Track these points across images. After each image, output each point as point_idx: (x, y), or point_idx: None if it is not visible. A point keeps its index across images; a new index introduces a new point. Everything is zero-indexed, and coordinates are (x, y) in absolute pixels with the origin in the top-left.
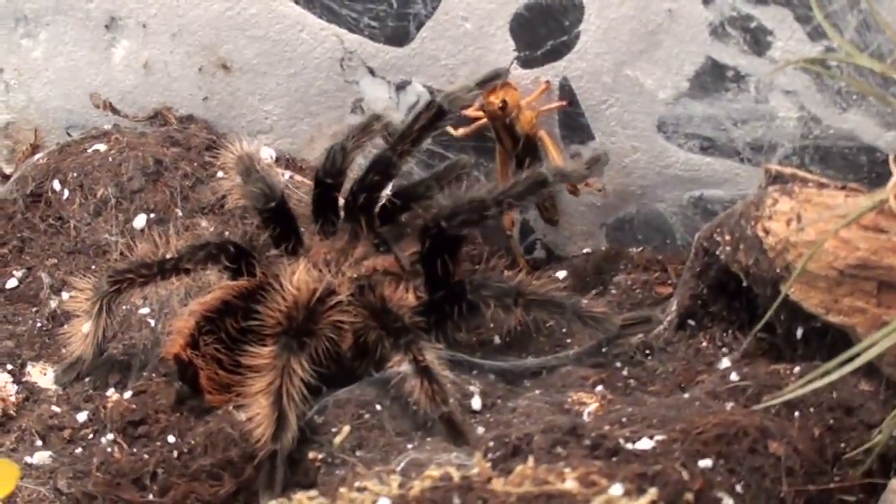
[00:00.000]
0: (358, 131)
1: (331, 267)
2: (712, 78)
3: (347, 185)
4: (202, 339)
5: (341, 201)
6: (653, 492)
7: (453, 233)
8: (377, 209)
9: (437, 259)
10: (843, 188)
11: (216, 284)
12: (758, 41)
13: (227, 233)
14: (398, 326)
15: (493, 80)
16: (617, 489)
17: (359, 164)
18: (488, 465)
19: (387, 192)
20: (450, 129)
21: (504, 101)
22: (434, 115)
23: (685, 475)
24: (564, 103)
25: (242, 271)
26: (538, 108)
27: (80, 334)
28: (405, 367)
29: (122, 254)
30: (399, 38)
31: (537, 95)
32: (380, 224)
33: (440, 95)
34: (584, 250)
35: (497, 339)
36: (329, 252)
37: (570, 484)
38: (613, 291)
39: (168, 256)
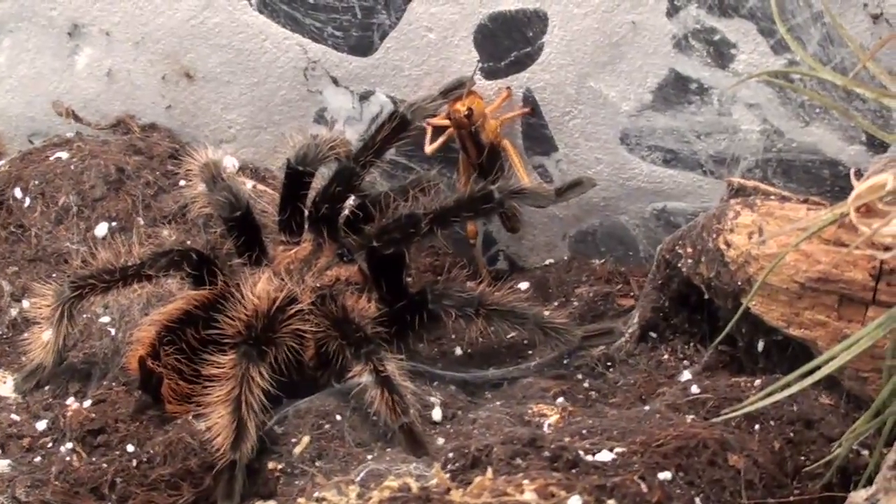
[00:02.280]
0: (327, 143)
1: (293, 276)
2: (675, 90)
3: (311, 196)
4: (163, 349)
5: (306, 212)
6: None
7: (387, 251)
8: (341, 219)
9: (381, 276)
10: (805, 201)
11: (177, 293)
12: (721, 54)
13: (188, 241)
14: (359, 336)
15: (456, 90)
16: (575, 501)
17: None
18: (447, 476)
19: (350, 202)
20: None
21: (470, 110)
22: (397, 125)
23: (644, 487)
24: (528, 110)
25: (205, 279)
26: (502, 117)
27: (41, 342)
28: (365, 378)
29: (83, 262)
30: (363, 48)
31: (500, 103)
32: (344, 234)
33: (403, 106)
34: (547, 261)
35: (458, 351)
36: (292, 261)
37: (529, 495)
38: (575, 303)
39: (130, 263)
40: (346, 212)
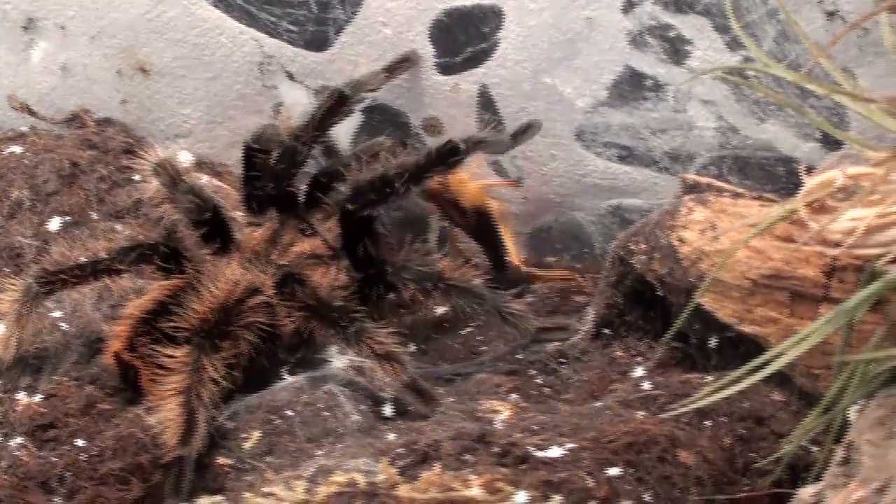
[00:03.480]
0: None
1: (261, 258)
2: (631, 87)
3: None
4: (139, 340)
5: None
6: (557, 499)
7: (361, 214)
8: (302, 194)
9: (356, 241)
10: (759, 198)
11: (130, 290)
12: (676, 50)
13: (140, 237)
14: (340, 319)
15: (400, 66)
16: (522, 496)
17: None
18: (396, 471)
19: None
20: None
21: (444, 181)
22: (336, 101)
23: (591, 483)
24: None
25: (175, 271)
26: (483, 183)
27: (1, 337)
28: (352, 357)
29: (36, 257)
30: (318, 42)
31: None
32: (305, 207)
33: (343, 83)
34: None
35: (412, 346)
36: (258, 243)
37: (476, 491)
38: (530, 299)
39: (100, 257)
40: (304, 186)
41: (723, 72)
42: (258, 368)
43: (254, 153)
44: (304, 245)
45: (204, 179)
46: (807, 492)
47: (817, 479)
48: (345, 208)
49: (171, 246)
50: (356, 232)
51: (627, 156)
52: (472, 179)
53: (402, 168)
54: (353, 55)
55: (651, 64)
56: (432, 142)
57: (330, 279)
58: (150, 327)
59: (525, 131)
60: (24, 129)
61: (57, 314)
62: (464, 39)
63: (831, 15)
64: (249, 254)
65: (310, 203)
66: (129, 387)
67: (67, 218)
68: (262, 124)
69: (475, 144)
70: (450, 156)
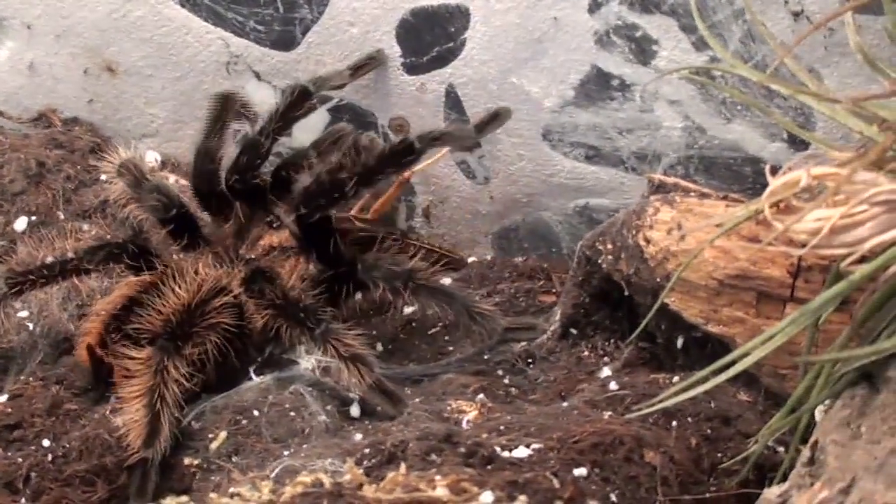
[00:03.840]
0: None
1: (230, 253)
2: (597, 86)
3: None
4: (110, 337)
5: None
6: (523, 499)
7: (314, 217)
8: (267, 187)
9: (313, 241)
10: (725, 198)
11: (97, 290)
12: (643, 50)
13: (107, 236)
14: (308, 319)
15: (366, 65)
16: (487, 497)
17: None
18: (361, 472)
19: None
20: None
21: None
22: (298, 96)
23: (556, 483)
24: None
25: (143, 269)
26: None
27: None
28: (319, 357)
29: (3, 256)
30: (285, 42)
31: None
32: (272, 199)
33: (307, 79)
34: (470, 259)
35: (379, 346)
36: (226, 238)
37: (441, 491)
38: (498, 299)
39: (69, 257)
40: (268, 178)
41: (689, 72)
42: (229, 368)
43: (204, 152)
44: (273, 238)
45: (171, 179)
46: (773, 492)
47: (784, 479)
48: (299, 211)
49: (140, 245)
50: (316, 233)
51: (594, 155)
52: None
53: (352, 171)
54: (320, 55)
55: (618, 64)
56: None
57: (299, 272)
58: (120, 324)
59: (491, 121)
60: None
61: (23, 314)
62: (430, 39)
63: (797, 15)
64: (218, 249)
65: (275, 195)
66: (102, 383)
67: (34, 217)
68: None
69: (433, 140)
70: (404, 155)
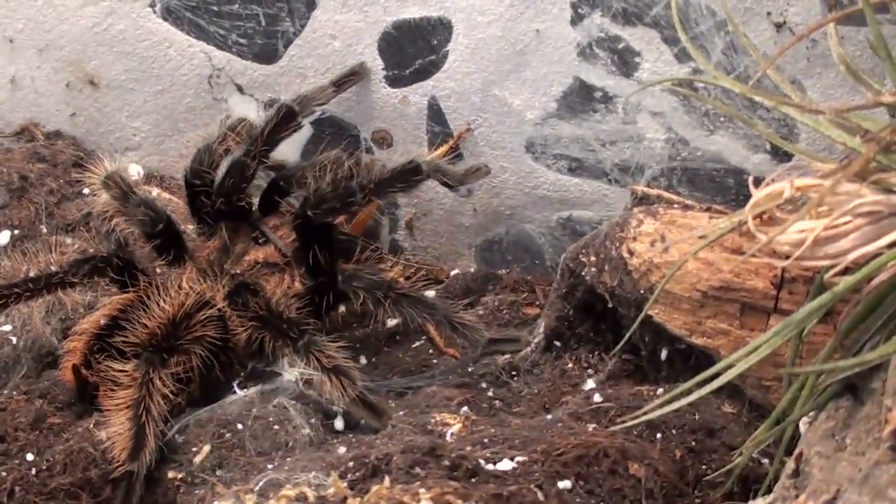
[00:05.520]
0: (223, 133)
1: (214, 268)
2: (580, 99)
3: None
4: (94, 357)
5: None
6: None
7: (320, 221)
8: (256, 202)
9: (310, 247)
10: (708, 210)
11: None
12: (626, 62)
13: (90, 249)
14: (291, 332)
15: (349, 79)
16: None
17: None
18: (345, 485)
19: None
20: None
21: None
22: (284, 116)
23: (541, 496)
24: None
25: (128, 283)
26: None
27: None
28: (303, 370)
29: None
30: (267, 55)
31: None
32: (259, 215)
33: (290, 98)
34: (453, 271)
35: (363, 359)
36: (210, 253)
37: None
38: (481, 311)
39: (54, 270)
40: (262, 191)
41: (672, 83)
42: (213, 381)
43: (196, 174)
44: (258, 253)
45: (154, 192)
46: None
47: (768, 491)
48: (305, 213)
49: (124, 258)
50: (312, 237)
51: (577, 168)
52: None
53: (368, 180)
54: (302, 68)
55: (600, 76)
56: (381, 154)
57: (284, 287)
58: (104, 343)
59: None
60: None
61: (6, 328)
62: (412, 52)
63: (780, 27)
64: (203, 264)
65: (264, 209)
66: (87, 403)
67: (17, 231)
68: (197, 148)
69: (435, 170)
70: (413, 174)
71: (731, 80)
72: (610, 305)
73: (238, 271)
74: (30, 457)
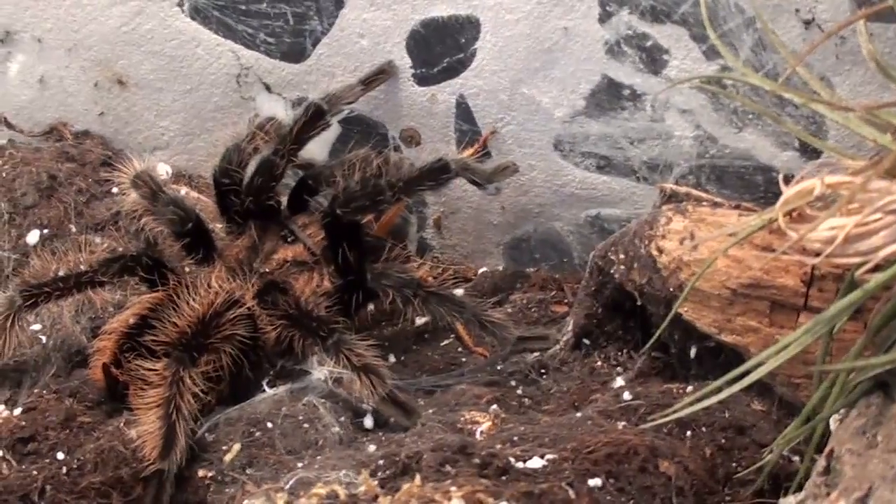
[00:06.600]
0: (252, 132)
1: (244, 266)
2: (608, 96)
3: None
4: (124, 356)
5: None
6: None
7: (349, 219)
8: (285, 200)
9: (340, 246)
10: (737, 207)
11: (111, 302)
12: (654, 60)
13: (119, 248)
14: (320, 330)
15: (377, 78)
16: None
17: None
18: (376, 483)
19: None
20: None
21: None
22: (312, 115)
23: (572, 494)
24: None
25: (158, 282)
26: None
27: None
28: (332, 368)
29: (14, 270)
30: (295, 54)
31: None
32: (288, 214)
33: (319, 96)
34: (482, 270)
35: (392, 357)
36: (240, 252)
37: (456, 502)
38: (510, 310)
39: (83, 269)
40: (291, 190)
41: (700, 81)
42: (243, 380)
43: (225, 173)
44: (287, 252)
45: (183, 191)
46: (788, 502)
47: (799, 488)
48: (334, 212)
49: (154, 257)
50: (341, 236)
51: (605, 165)
52: None
53: (397, 179)
54: (330, 66)
55: (628, 73)
56: (410, 153)
57: (313, 286)
58: (134, 342)
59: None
60: (2, 142)
61: (36, 327)
62: (440, 50)
63: (808, 24)
64: (232, 263)
65: (293, 207)
66: (117, 401)
67: (46, 231)
68: (226, 147)
69: (463, 168)
70: (441, 172)
71: (759, 78)
72: (639, 303)
73: (267, 270)
74: (60, 455)
